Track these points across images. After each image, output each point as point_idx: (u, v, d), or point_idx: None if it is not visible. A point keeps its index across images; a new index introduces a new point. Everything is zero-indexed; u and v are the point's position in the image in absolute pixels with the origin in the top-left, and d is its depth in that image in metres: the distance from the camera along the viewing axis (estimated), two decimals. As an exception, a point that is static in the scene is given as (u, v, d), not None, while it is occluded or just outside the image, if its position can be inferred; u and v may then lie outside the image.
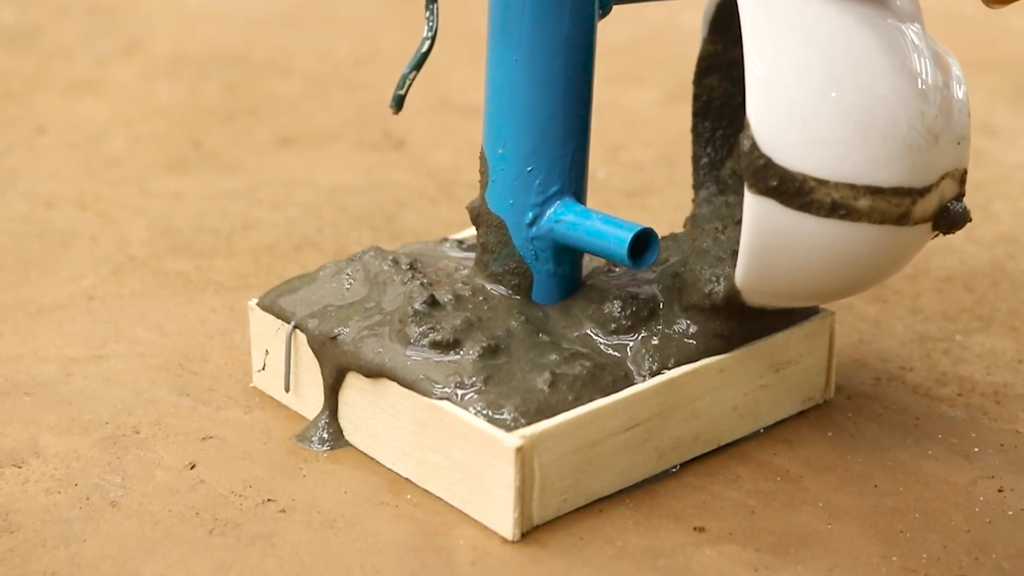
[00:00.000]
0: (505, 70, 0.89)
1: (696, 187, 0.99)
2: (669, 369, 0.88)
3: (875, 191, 0.81)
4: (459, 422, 0.84)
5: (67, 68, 1.58)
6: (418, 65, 0.88)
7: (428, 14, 0.88)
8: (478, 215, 0.92)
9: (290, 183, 1.30)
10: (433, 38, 0.88)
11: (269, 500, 0.86)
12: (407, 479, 0.88)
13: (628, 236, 0.87)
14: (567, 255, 0.92)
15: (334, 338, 0.90)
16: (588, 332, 0.90)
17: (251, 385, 0.98)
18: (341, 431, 0.92)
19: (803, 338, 0.93)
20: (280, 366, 0.95)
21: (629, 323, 0.89)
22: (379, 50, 1.65)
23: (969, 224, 1.21)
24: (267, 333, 0.95)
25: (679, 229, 1.18)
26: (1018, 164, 1.34)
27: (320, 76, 1.57)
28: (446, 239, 1.01)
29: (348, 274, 0.95)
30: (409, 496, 0.87)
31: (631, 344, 0.89)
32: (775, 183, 0.80)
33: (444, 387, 0.85)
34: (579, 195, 0.91)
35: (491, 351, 0.87)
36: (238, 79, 1.55)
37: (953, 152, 0.84)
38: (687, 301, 0.89)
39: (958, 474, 0.89)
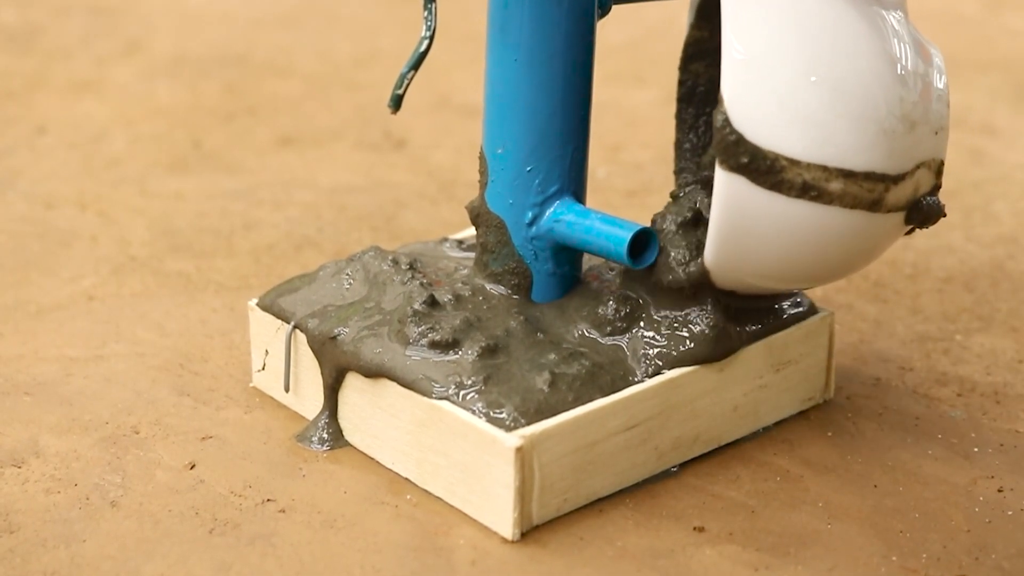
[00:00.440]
0: (504, 70, 0.89)
1: (677, 172, 0.99)
2: (668, 369, 0.88)
3: (847, 174, 0.80)
4: (459, 422, 0.84)
5: (67, 68, 1.58)
6: (416, 65, 0.88)
7: (426, 14, 0.88)
8: (478, 215, 0.92)
9: (290, 183, 1.30)
10: (431, 38, 0.88)
11: (269, 500, 0.86)
12: (407, 479, 0.88)
13: (627, 236, 0.87)
14: (566, 255, 0.92)
15: (334, 338, 0.90)
16: (586, 332, 0.90)
17: (251, 385, 0.98)
18: (341, 431, 0.92)
19: (803, 338, 0.93)
20: (280, 366, 0.95)
21: (624, 324, 0.89)
22: (379, 50, 1.65)
23: (969, 224, 1.21)
24: (267, 333, 0.95)
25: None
26: (1018, 164, 1.33)
27: (320, 76, 1.57)
28: (446, 239, 1.01)
29: (348, 274, 0.95)
30: (409, 496, 0.87)
31: (630, 343, 0.89)
32: (746, 160, 0.80)
33: (444, 387, 0.85)
34: (579, 195, 0.91)
35: (490, 351, 0.87)
36: (238, 79, 1.56)
37: (930, 141, 0.83)
38: (657, 281, 0.89)
39: (958, 474, 0.89)
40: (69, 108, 1.47)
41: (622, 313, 0.89)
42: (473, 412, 0.84)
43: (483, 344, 0.87)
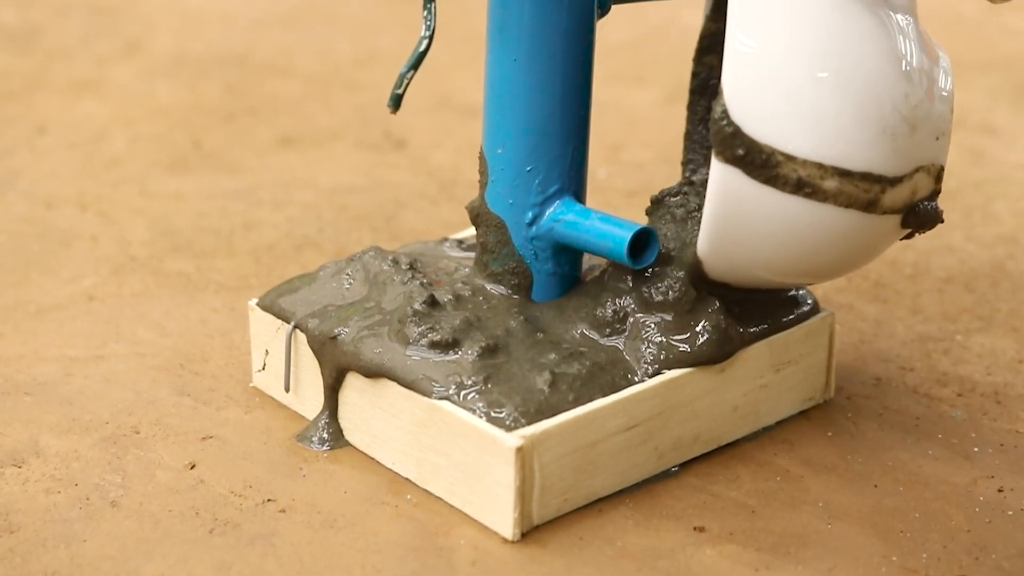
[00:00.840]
0: (504, 70, 0.89)
1: (684, 164, 0.99)
2: (669, 369, 0.88)
3: (843, 173, 0.80)
4: (459, 422, 0.84)
5: (67, 68, 1.58)
6: (416, 64, 0.88)
7: (426, 13, 0.88)
8: (477, 215, 0.92)
9: (290, 183, 1.30)
10: (431, 38, 0.88)
11: (269, 500, 0.86)
12: (407, 479, 0.88)
13: (628, 235, 0.87)
14: (567, 255, 0.92)
15: (334, 338, 0.90)
16: (586, 332, 0.90)
17: (251, 385, 0.98)
18: (341, 431, 0.92)
19: (803, 338, 0.93)
20: (280, 366, 0.95)
21: (622, 325, 0.89)
22: (379, 50, 1.65)
23: (969, 224, 1.21)
24: (267, 333, 0.95)
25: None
26: (1018, 164, 1.33)
27: (320, 76, 1.57)
28: (446, 239, 1.01)
29: (348, 274, 0.95)
30: (409, 496, 0.87)
31: (630, 344, 0.89)
32: (742, 152, 0.80)
33: (444, 387, 0.85)
34: (579, 195, 0.91)
35: (490, 351, 0.87)
36: (238, 79, 1.56)
37: (931, 146, 0.83)
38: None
39: (958, 474, 0.89)
40: (69, 108, 1.47)
41: (621, 313, 0.89)
42: (473, 412, 0.84)
43: (483, 344, 0.87)
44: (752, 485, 0.88)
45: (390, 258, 0.95)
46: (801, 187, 0.80)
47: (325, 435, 0.92)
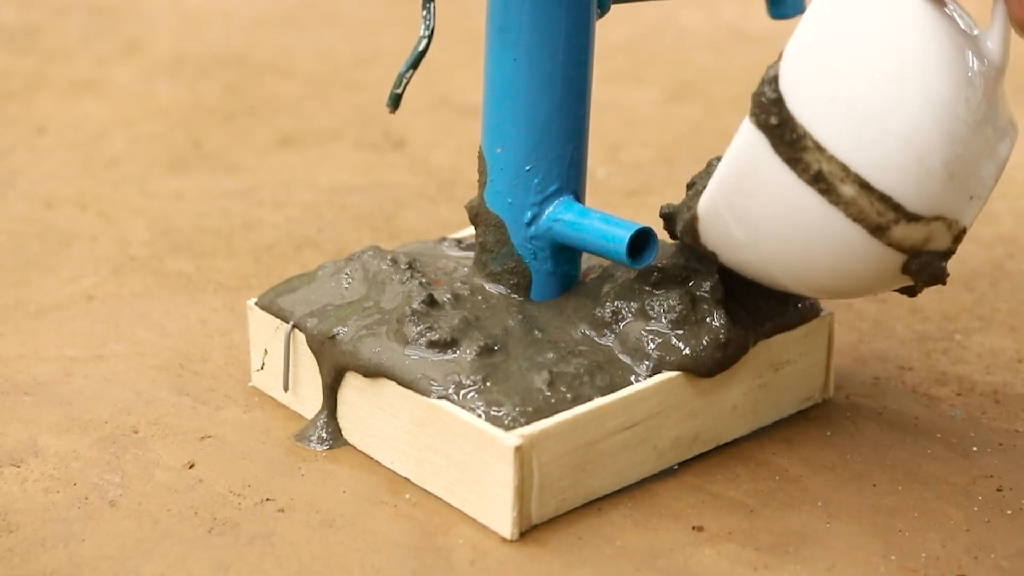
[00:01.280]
0: (504, 69, 0.89)
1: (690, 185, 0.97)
2: (667, 369, 0.88)
3: (864, 185, 0.78)
4: (458, 421, 0.84)
5: (67, 68, 1.58)
6: (415, 64, 0.88)
7: (425, 13, 0.88)
8: (477, 214, 0.92)
9: (290, 183, 1.30)
10: (430, 37, 0.88)
11: (268, 499, 0.87)
12: (406, 478, 0.88)
13: (627, 235, 0.87)
14: (566, 254, 0.92)
15: (333, 337, 0.90)
16: (584, 331, 0.90)
17: (250, 385, 0.98)
18: (340, 430, 0.92)
19: (802, 337, 0.93)
20: (279, 365, 0.95)
21: (621, 325, 0.89)
22: (379, 50, 1.65)
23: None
24: (266, 332, 0.95)
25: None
26: (1017, 164, 1.33)
27: (320, 76, 1.57)
28: (445, 238, 1.01)
29: (347, 273, 0.95)
30: (408, 495, 0.87)
31: (629, 343, 0.89)
32: (775, 122, 0.78)
33: (443, 386, 0.85)
34: (578, 194, 0.91)
35: (489, 350, 0.87)
36: (238, 79, 1.56)
37: (961, 201, 0.80)
38: (671, 232, 0.88)
39: (957, 473, 0.89)
40: (69, 108, 1.48)
41: (621, 314, 0.89)
42: (472, 411, 0.84)
43: (482, 343, 0.87)
44: (751, 484, 0.88)
45: (389, 258, 0.95)
46: (818, 180, 0.78)
47: (324, 434, 0.92)
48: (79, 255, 1.16)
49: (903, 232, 0.79)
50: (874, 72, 0.78)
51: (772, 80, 0.78)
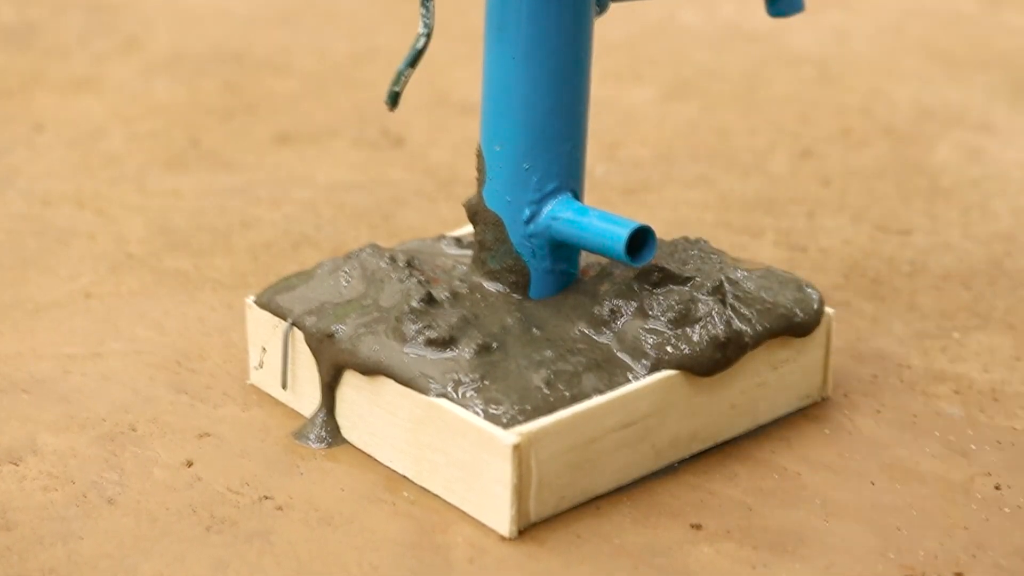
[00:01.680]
0: (502, 68, 0.89)
1: None
2: (665, 368, 0.88)
3: None
4: (456, 419, 0.84)
5: (65, 66, 1.58)
6: (413, 62, 0.88)
7: (424, 11, 0.88)
8: (475, 212, 0.92)
9: (288, 181, 1.30)
10: (429, 35, 0.88)
11: (266, 497, 0.86)
12: (404, 476, 0.88)
13: (625, 233, 0.87)
14: (564, 252, 0.92)
15: (331, 335, 0.90)
16: (583, 329, 0.90)
17: (248, 383, 0.98)
18: (338, 428, 0.92)
19: (800, 336, 0.93)
20: (277, 364, 0.95)
21: (620, 324, 0.89)
22: (377, 48, 1.65)
23: (967, 222, 1.21)
24: (264, 331, 0.95)
25: (677, 227, 1.18)
26: (1015, 162, 1.33)
27: (318, 74, 1.57)
28: (443, 236, 1.01)
29: (345, 271, 0.95)
30: (406, 493, 0.87)
31: (627, 341, 0.89)
32: None
33: (441, 384, 0.85)
34: (576, 192, 0.91)
35: (487, 348, 0.87)
36: (236, 77, 1.55)
37: None
38: None
39: (955, 471, 0.89)
40: (67, 106, 1.47)
41: (619, 312, 0.89)
42: (470, 409, 0.84)
43: (480, 341, 0.87)
44: (749, 483, 0.88)
45: (387, 256, 0.95)
46: None
47: (322, 433, 0.92)
48: (77, 253, 1.16)
49: None
50: None
51: None
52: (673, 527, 0.84)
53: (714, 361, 0.88)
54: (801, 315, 0.92)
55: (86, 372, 0.99)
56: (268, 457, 0.90)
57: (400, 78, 0.89)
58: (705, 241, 0.95)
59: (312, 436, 0.92)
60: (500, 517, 0.83)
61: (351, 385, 0.90)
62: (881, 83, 1.52)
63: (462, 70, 1.54)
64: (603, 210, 0.90)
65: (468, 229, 1.03)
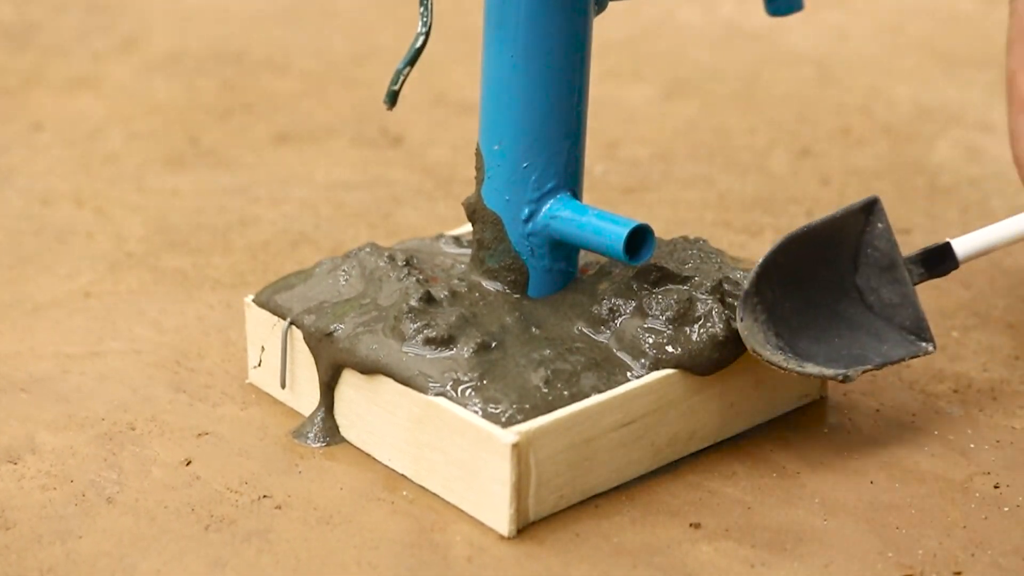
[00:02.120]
0: (501, 66, 0.89)
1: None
2: (664, 368, 0.87)
3: None
4: (455, 418, 0.84)
5: (64, 65, 1.58)
6: (412, 61, 0.88)
7: (422, 10, 0.88)
8: (474, 211, 0.92)
9: (287, 180, 1.30)
10: (427, 34, 0.88)
11: (265, 496, 0.86)
12: (403, 475, 0.88)
13: (624, 232, 0.87)
14: (563, 251, 0.92)
15: (330, 334, 0.90)
16: (582, 328, 0.90)
17: (247, 382, 0.98)
18: (337, 427, 0.92)
19: (799, 334, 0.93)
20: (276, 362, 0.95)
21: (618, 323, 0.89)
22: (377, 47, 1.65)
23: (966, 221, 1.21)
24: (263, 330, 0.95)
25: (676, 226, 1.18)
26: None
27: (317, 73, 1.57)
28: (442, 235, 1.01)
29: (344, 270, 0.95)
30: (405, 492, 0.87)
31: (626, 340, 0.88)
32: None
33: (440, 383, 0.85)
34: (575, 191, 0.91)
35: (486, 347, 0.87)
36: (235, 76, 1.55)
37: None
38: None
39: (954, 470, 0.89)
40: (65, 105, 1.47)
41: (618, 311, 0.89)
42: (469, 408, 0.84)
43: (479, 340, 0.87)
44: (748, 481, 0.88)
45: (386, 255, 0.95)
46: None
47: (321, 432, 0.91)
48: (76, 252, 1.16)
49: None
50: None
51: None
52: (672, 526, 0.84)
53: (713, 360, 0.88)
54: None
55: (85, 371, 0.99)
56: (267, 456, 0.90)
57: (399, 77, 0.88)
58: (704, 240, 0.95)
59: (311, 435, 0.92)
60: (499, 516, 0.83)
61: (350, 384, 0.90)
62: (880, 82, 1.52)
63: (461, 69, 1.54)
64: (602, 209, 0.89)
65: (467, 228, 1.02)
